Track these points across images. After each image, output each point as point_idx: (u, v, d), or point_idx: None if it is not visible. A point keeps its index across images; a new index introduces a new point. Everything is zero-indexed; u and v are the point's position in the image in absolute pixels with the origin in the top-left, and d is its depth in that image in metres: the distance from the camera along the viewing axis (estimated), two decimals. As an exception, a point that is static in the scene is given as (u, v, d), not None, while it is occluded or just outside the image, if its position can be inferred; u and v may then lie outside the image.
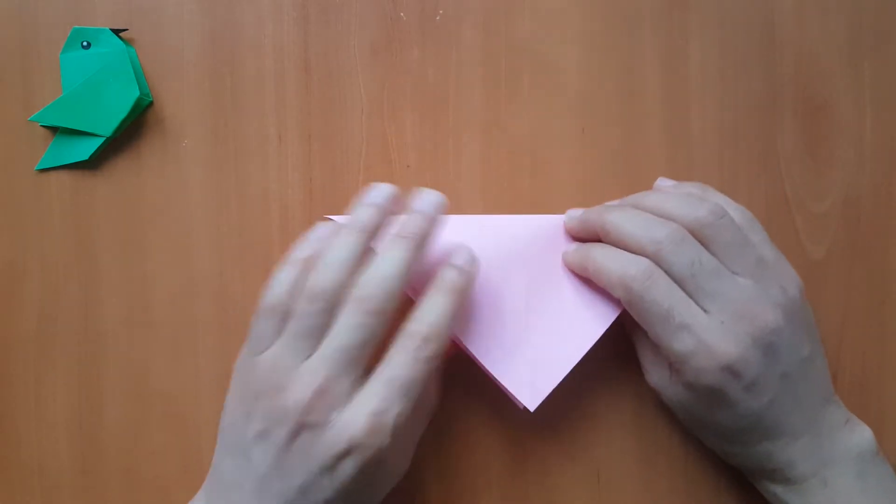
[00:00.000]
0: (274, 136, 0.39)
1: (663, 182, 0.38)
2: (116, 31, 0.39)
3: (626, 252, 0.34)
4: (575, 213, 0.37)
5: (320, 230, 0.34)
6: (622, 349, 0.38)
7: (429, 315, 0.31)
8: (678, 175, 0.38)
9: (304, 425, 0.30)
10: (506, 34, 0.39)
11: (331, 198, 0.39)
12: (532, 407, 0.35)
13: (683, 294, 0.33)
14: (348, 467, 0.30)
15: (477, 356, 0.36)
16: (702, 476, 0.38)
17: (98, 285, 0.40)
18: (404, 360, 0.30)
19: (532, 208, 0.39)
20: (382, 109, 0.39)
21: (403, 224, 0.32)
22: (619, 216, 0.34)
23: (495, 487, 0.39)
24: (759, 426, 0.33)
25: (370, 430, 0.30)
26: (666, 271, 0.33)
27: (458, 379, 0.38)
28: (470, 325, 0.36)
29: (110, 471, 0.40)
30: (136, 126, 0.39)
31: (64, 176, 0.40)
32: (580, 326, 0.36)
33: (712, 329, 0.32)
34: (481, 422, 0.39)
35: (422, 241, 0.32)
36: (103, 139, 0.38)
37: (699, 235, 0.33)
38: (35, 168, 0.39)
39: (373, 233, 0.32)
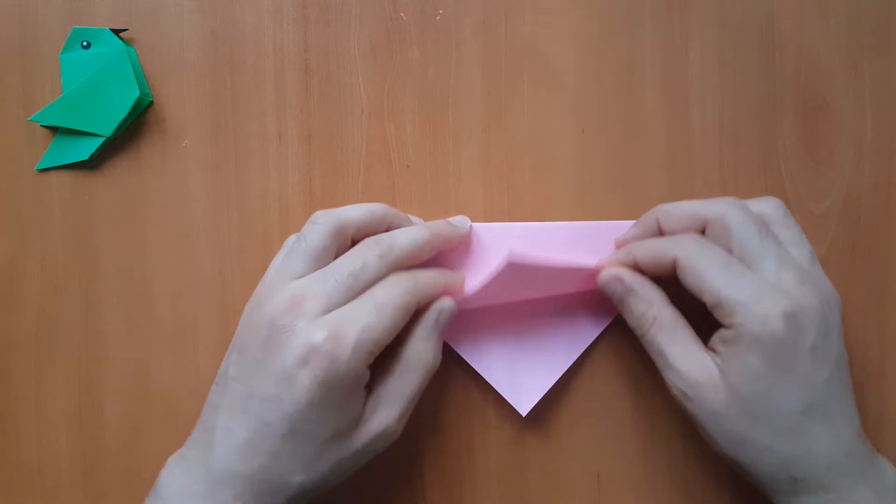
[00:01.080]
0: (274, 136, 0.39)
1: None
2: (116, 31, 0.39)
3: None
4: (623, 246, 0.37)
5: None
6: (622, 350, 0.38)
7: (423, 276, 0.33)
8: (678, 175, 0.38)
9: (272, 331, 0.31)
10: (506, 34, 0.39)
11: (331, 198, 0.39)
12: (524, 412, 0.37)
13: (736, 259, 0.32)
14: (305, 376, 0.30)
15: (472, 364, 0.38)
16: (702, 476, 0.38)
17: (98, 285, 0.40)
18: (384, 286, 0.32)
19: (532, 208, 0.39)
20: (382, 109, 0.39)
21: (433, 222, 0.36)
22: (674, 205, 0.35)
23: (495, 487, 0.39)
24: (816, 409, 0.31)
25: (329, 335, 0.30)
26: (738, 225, 0.32)
27: (458, 379, 0.38)
28: (465, 333, 0.38)
29: (110, 471, 0.40)
30: (136, 126, 0.39)
31: (64, 176, 0.40)
32: (571, 335, 0.38)
33: (776, 277, 0.31)
34: (481, 422, 0.39)
35: (441, 240, 0.35)
36: (103, 139, 0.39)
37: (765, 218, 0.34)
38: (35, 168, 0.39)
39: (392, 211, 0.35)
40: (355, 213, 0.34)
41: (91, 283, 0.40)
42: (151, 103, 0.39)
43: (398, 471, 0.39)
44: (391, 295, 0.32)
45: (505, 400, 0.38)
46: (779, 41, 0.38)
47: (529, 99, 0.39)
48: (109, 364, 0.40)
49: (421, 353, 0.33)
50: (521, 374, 0.38)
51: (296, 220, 0.39)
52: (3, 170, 0.40)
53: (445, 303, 0.34)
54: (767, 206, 0.34)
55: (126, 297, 0.40)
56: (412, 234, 0.34)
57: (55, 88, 0.39)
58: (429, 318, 0.34)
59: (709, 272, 0.32)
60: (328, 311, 0.31)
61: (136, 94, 0.38)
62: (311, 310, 0.31)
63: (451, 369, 0.38)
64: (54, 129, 0.39)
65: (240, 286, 0.39)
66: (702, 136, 0.39)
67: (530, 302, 0.38)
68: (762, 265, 0.32)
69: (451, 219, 0.37)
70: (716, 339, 0.33)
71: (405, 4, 0.39)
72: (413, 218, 0.37)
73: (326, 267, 0.32)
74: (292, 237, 0.34)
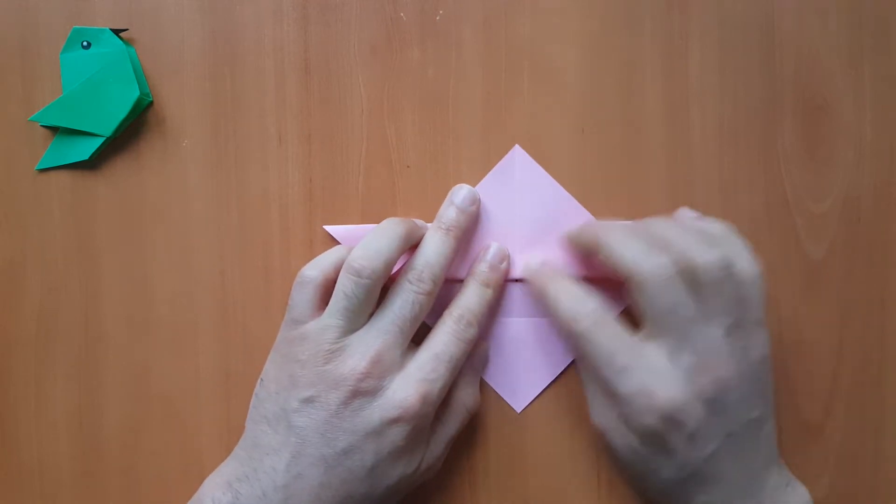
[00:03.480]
0: (274, 136, 0.39)
1: (686, 213, 0.37)
2: (116, 31, 0.39)
3: (579, 290, 0.34)
4: (573, 231, 0.37)
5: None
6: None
7: (470, 303, 0.36)
8: (678, 175, 0.38)
9: (358, 392, 0.32)
10: (506, 34, 0.39)
11: (331, 198, 0.39)
12: (518, 408, 0.38)
13: (631, 339, 0.33)
14: (395, 432, 0.32)
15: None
16: (702, 476, 0.38)
17: (98, 285, 0.40)
18: (449, 339, 0.34)
19: (532, 208, 0.39)
20: (382, 109, 0.39)
21: (444, 216, 0.36)
22: (617, 238, 0.33)
23: (495, 487, 0.39)
24: (697, 477, 0.33)
25: (420, 398, 0.33)
26: (646, 301, 0.32)
27: (458, 379, 0.38)
28: None
29: (110, 471, 0.40)
30: (136, 126, 0.39)
31: (64, 176, 0.40)
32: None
33: (660, 373, 0.32)
34: (481, 422, 0.39)
35: (460, 233, 0.36)
36: (103, 139, 0.39)
37: (697, 278, 0.32)
38: (35, 168, 0.39)
39: (412, 227, 0.36)
40: (388, 250, 0.34)
41: (91, 283, 0.40)
42: (151, 103, 0.39)
43: (398, 471, 0.39)
44: (458, 349, 0.35)
45: (505, 400, 0.38)
46: (779, 41, 0.38)
47: (529, 99, 0.39)
48: (109, 364, 0.40)
49: (465, 398, 0.37)
50: (519, 372, 0.38)
51: (296, 220, 0.39)
52: (3, 170, 0.40)
53: (484, 347, 0.38)
54: (713, 258, 0.32)
55: (126, 297, 0.40)
56: (439, 249, 0.35)
57: (55, 88, 0.39)
58: (476, 366, 0.38)
59: (591, 359, 0.33)
60: (403, 361, 0.34)
61: (136, 94, 0.38)
62: (390, 367, 0.33)
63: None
64: (54, 129, 0.39)
65: (240, 286, 0.39)
66: (702, 136, 0.39)
67: (529, 300, 0.38)
68: (663, 345, 0.32)
69: (416, 221, 0.37)
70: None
71: (405, 4, 0.39)
72: (418, 222, 0.37)
73: (385, 314, 0.34)
74: (311, 274, 0.35)
